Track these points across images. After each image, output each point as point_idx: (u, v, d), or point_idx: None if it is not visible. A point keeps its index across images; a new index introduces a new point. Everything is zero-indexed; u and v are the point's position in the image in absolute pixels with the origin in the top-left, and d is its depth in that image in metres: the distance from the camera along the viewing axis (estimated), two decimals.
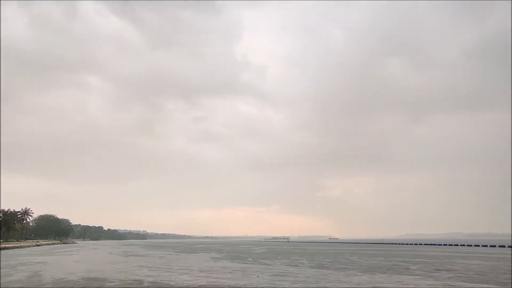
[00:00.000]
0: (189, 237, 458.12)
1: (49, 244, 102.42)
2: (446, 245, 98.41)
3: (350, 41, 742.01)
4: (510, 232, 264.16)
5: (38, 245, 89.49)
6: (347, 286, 17.52)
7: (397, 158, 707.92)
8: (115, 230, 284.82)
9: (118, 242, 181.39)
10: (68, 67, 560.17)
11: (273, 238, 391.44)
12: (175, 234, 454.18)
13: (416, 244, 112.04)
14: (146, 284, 17.98)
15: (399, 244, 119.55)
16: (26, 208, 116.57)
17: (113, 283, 18.56)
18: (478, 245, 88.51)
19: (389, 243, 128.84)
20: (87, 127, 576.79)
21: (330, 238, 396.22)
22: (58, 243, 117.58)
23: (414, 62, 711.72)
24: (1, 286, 17.86)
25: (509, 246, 79.58)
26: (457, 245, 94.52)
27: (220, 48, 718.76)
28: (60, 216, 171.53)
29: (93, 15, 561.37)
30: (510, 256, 45.79)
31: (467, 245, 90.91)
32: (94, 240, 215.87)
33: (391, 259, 39.14)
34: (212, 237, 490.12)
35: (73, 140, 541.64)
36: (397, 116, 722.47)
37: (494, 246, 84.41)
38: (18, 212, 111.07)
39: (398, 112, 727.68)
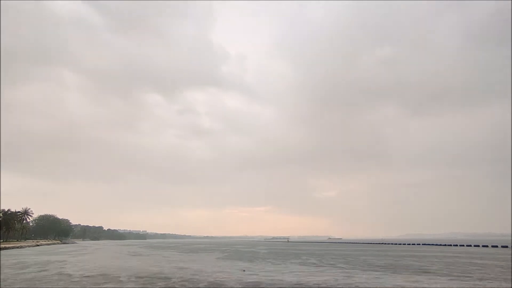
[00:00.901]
0: (189, 237, 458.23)
1: (49, 244, 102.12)
2: (450, 245, 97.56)
3: (334, 31, 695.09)
4: (510, 232, 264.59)
5: (38, 245, 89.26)
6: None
7: (394, 156, 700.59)
8: (115, 230, 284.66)
9: (120, 242, 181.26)
10: (35, 58, 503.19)
11: (273, 238, 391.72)
12: (174, 234, 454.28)
13: (420, 244, 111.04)
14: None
15: (401, 244, 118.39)
16: (26, 208, 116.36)
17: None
18: (487, 246, 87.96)
19: (390, 243, 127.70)
20: (65, 123, 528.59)
21: (329, 238, 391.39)
22: (58, 243, 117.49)
23: (406, 52, 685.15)
24: (6, 286, 17.78)
25: (502, 246, 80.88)
26: (470, 245, 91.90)
27: (194, 37, 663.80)
28: (60, 216, 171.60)
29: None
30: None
31: (482, 246, 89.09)
32: (94, 240, 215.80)
33: (402, 259, 38.95)
34: (212, 237, 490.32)
35: (52, 137, 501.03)
36: (392, 110, 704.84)
37: (496, 246, 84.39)
38: (18, 212, 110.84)
39: (394, 106, 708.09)
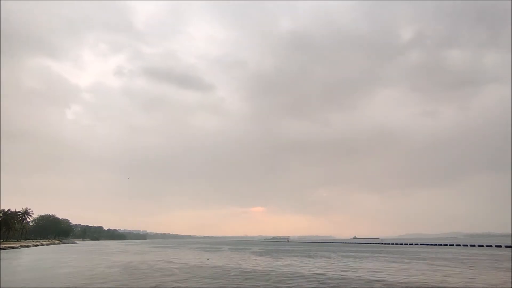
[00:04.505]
0: (189, 237, 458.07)
1: (49, 244, 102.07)
2: (459, 245, 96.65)
3: None
4: (510, 232, 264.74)
5: (38, 245, 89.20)
6: None
7: (392, 151, 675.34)
8: (115, 230, 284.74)
9: (126, 242, 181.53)
10: None
11: (273, 238, 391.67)
12: (174, 234, 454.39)
13: (426, 244, 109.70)
14: None
15: (405, 244, 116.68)
16: (26, 208, 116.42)
17: None
18: (482, 245, 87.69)
19: (395, 244, 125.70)
20: None
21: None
22: (58, 243, 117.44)
23: None
24: (4, 285, 17.67)
25: (506, 246, 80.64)
26: (487, 245, 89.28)
27: None
28: (60, 216, 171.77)
29: None
30: None
31: (478, 246, 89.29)
32: (94, 240, 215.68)
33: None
34: (212, 237, 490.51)
35: None
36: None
37: (490, 246, 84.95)
38: (18, 212, 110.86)
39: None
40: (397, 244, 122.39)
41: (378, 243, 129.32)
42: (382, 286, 18.43)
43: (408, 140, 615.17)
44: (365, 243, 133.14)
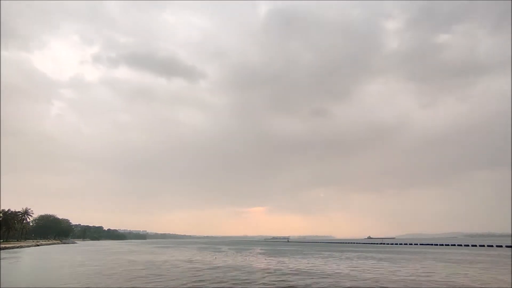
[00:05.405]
0: (189, 237, 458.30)
1: (49, 244, 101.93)
2: (460, 245, 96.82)
3: None
4: (510, 232, 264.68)
5: (38, 245, 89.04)
6: None
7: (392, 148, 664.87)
8: (115, 230, 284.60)
9: (124, 242, 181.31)
10: None
11: (273, 238, 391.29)
12: (174, 234, 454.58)
13: (428, 244, 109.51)
14: None
15: (409, 244, 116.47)
16: (26, 208, 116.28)
17: None
18: (484, 245, 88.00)
19: (397, 244, 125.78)
20: None
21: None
22: (58, 243, 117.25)
23: None
24: (3, 285, 17.61)
25: (507, 246, 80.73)
26: (488, 245, 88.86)
27: None
28: (60, 216, 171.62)
29: None
30: None
31: (477, 245, 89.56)
32: (94, 240, 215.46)
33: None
34: (212, 237, 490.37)
35: None
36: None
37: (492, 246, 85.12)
38: (18, 212, 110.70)
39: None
40: (400, 244, 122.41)
41: (392, 244, 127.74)
42: None
43: (407, 136, 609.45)
44: (380, 244, 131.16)
